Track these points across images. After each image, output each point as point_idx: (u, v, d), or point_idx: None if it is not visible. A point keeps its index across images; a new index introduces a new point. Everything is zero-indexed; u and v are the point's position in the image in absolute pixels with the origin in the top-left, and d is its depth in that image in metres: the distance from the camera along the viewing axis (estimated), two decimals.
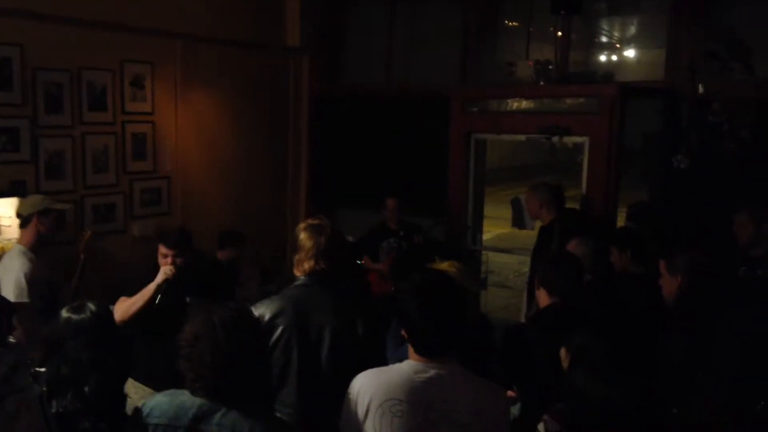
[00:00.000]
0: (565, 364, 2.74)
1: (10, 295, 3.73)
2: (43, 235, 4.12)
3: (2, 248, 4.44)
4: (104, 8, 5.29)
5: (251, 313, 2.36)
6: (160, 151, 5.88)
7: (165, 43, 5.83)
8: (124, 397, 2.34)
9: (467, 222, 6.45)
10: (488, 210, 7.02)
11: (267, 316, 2.85)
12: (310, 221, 3.09)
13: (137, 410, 2.12)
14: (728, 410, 2.92)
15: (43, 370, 2.23)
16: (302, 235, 2.99)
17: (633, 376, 2.72)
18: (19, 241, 4.13)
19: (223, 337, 2.04)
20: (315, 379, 2.87)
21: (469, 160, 6.32)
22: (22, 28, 4.87)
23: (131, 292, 3.75)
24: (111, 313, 2.58)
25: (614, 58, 6.86)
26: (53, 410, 2.27)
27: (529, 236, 6.75)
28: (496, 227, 11.51)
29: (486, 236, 7.72)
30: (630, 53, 6.87)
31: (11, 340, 2.15)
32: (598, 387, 2.52)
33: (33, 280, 3.94)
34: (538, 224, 5.38)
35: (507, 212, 6.52)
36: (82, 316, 2.45)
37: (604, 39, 6.89)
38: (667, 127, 5.60)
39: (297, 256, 3.01)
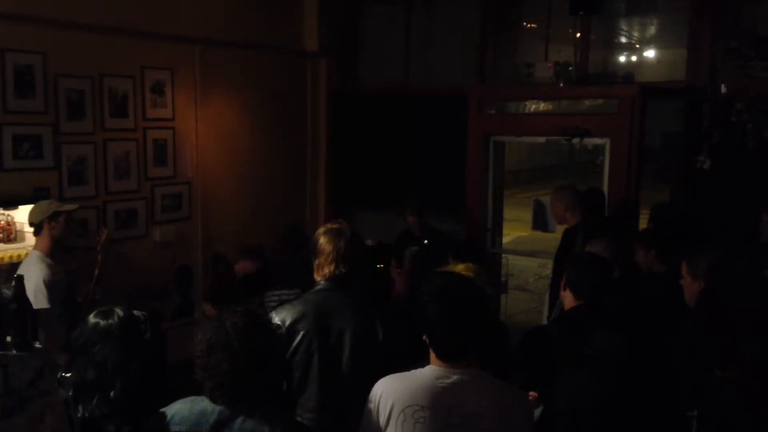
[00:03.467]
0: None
1: (31, 301, 3.76)
2: (57, 239, 4.11)
3: (27, 254, 4.48)
4: (124, 15, 5.34)
5: (261, 315, 2.34)
6: (180, 156, 5.92)
7: (184, 48, 5.88)
8: (149, 401, 2.35)
9: (486, 224, 6.41)
10: (506, 213, 6.99)
11: (288, 322, 2.85)
12: (329, 225, 3.08)
13: (160, 415, 2.12)
14: (744, 408, 2.87)
15: (68, 375, 2.24)
16: (322, 240, 2.99)
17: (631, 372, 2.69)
18: (35, 247, 4.14)
19: (238, 343, 2.03)
20: (336, 384, 2.87)
21: (487, 162, 6.28)
22: (44, 35, 4.92)
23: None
24: (137, 318, 2.60)
25: (634, 58, 6.81)
26: (79, 414, 2.29)
27: (547, 239, 6.72)
28: (514, 230, 11.47)
29: (504, 239, 7.69)
30: (650, 53, 6.82)
31: (37, 345, 2.17)
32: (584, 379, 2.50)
33: (52, 285, 3.94)
34: (561, 227, 5.33)
35: (525, 215, 6.48)
36: (110, 321, 2.46)
37: (623, 39, 6.84)
38: (688, 127, 5.55)
39: (317, 261, 3.00)
